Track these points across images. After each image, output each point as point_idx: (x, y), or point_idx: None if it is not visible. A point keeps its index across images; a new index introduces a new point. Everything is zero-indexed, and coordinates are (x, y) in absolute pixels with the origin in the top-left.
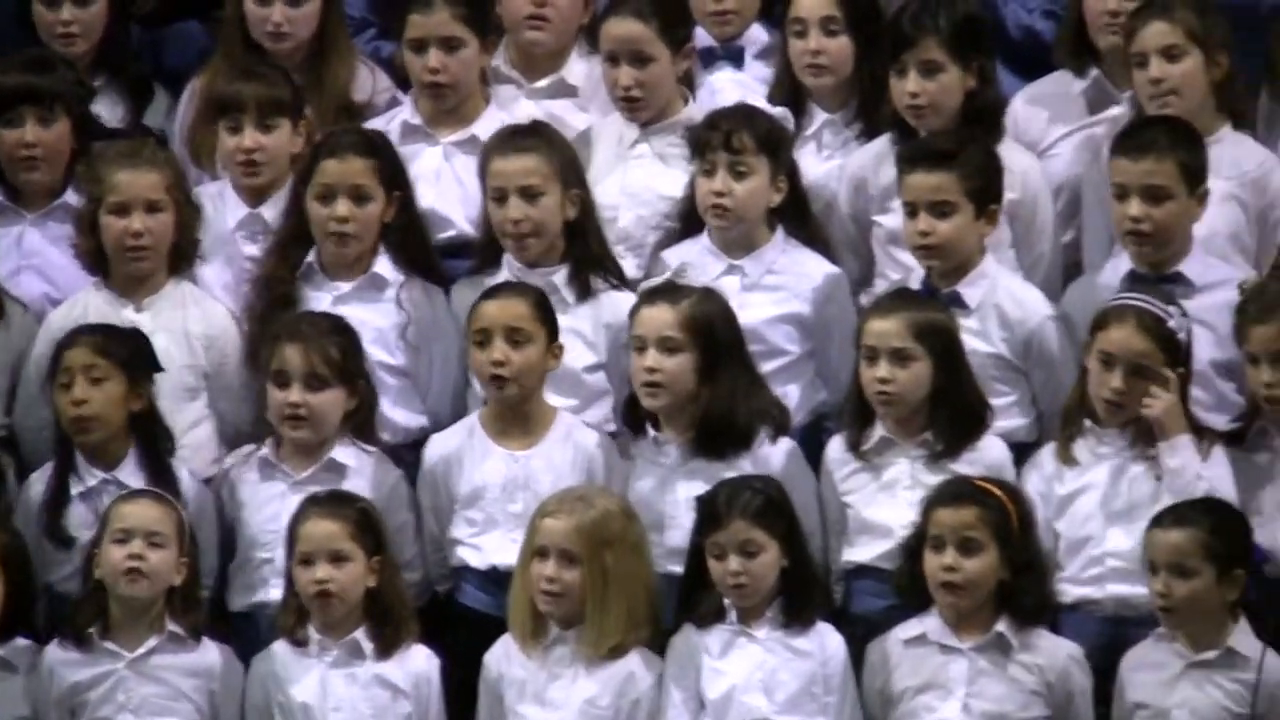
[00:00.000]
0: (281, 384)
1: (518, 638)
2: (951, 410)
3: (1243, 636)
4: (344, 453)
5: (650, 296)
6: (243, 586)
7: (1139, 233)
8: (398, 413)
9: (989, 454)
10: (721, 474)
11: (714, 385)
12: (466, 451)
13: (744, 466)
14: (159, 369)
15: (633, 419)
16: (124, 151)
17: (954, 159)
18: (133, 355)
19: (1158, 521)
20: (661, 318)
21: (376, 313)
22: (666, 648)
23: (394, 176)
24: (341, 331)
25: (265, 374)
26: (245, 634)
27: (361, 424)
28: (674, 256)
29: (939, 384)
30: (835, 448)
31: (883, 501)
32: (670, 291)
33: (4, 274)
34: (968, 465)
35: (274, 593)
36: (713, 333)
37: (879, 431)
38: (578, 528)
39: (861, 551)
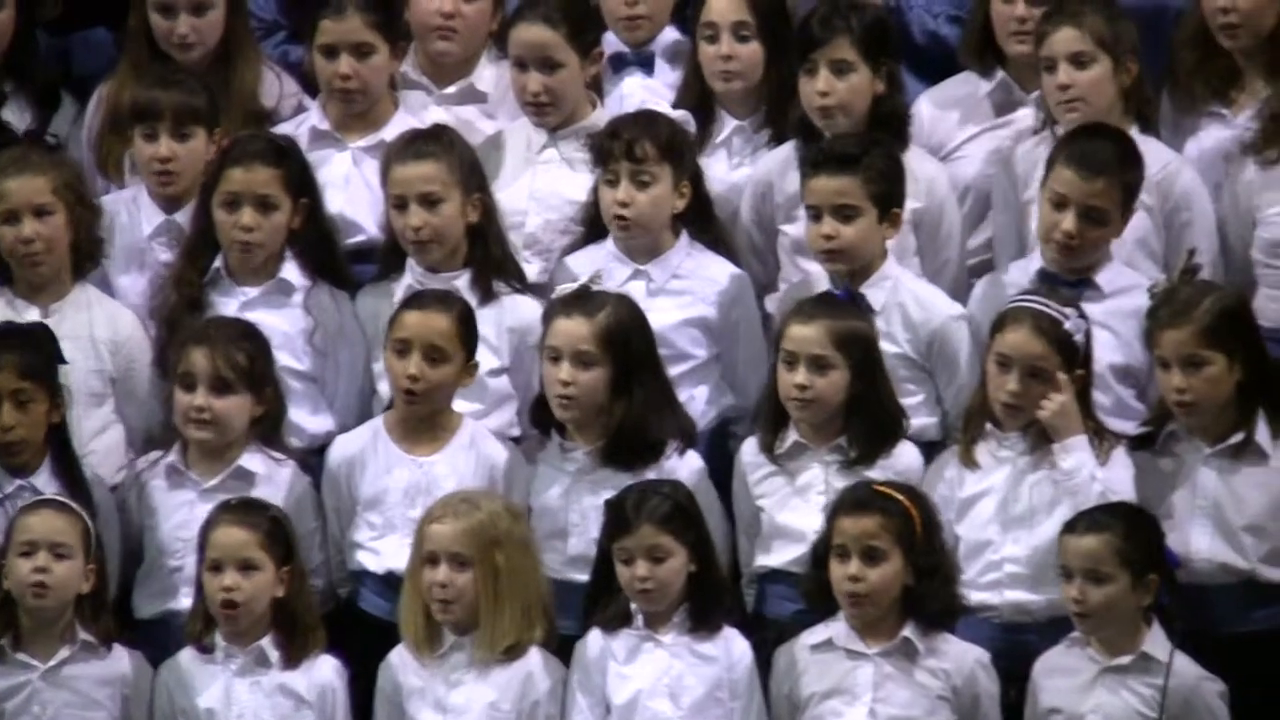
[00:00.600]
0: (187, 387)
1: (411, 645)
2: (867, 418)
3: (1156, 641)
4: (252, 460)
5: (566, 307)
6: (152, 594)
7: (1069, 247)
8: (305, 418)
9: (901, 459)
10: (626, 483)
11: (628, 398)
12: (370, 455)
13: (650, 478)
14: (64, 361)
15: (540, 422)
16: (10, 159)
17: (858, 163)
18: (50, 362)
19: (1071, 527)
20: (577, 331)
21: (283, 318)
22: (572, 653)
23: (301, 183)
24: (250, 337)
25: (172, 377)
26: (156, 641)
27: (269, 431)
28: (577, 263)
29: (855, 392)
30: (749, 451)
31: (796, 506)
32: (586, 303)
33: None
34: (880, 471)
35: (185, 601)
36: (628, 345)
37: (792, 436)
38: (467, 530)
39: (774, 556)
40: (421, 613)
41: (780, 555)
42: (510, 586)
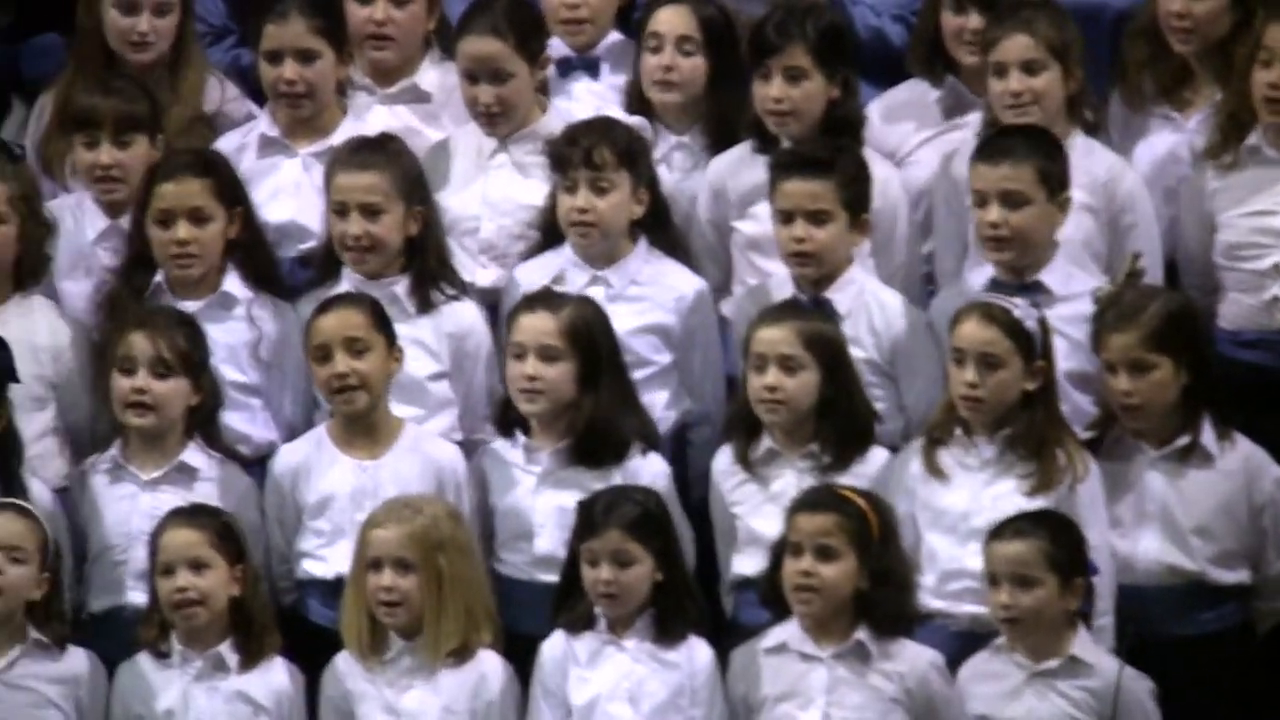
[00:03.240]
0: (127, 371)
1: (356, 652)
2: (838, 422)
3: (1084, 644)
4: (194, 456)
5: (530, 304)
6: (98, 589)
7: (998, 238)
8: (252, 429)
9: (872, 465)
10: (591, 484)
11: (595, 394)
12: (314, 462)
13: (614, 478)
14: (16, 380)
15: (505, 423)
16: None
17: (831, 167)
18: (2, 374)
19: (997, 534)
20: (542, 325)
21: (226, 331)
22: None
23: (232, 193)
24: (187, 324)
25: (111, 363)
26: (104, 636)
27: (205, 423)
28: (529, 273)
29: (826, 394)
30: (723, 459)
31: (770, 513)
32: (550, 299)
33: None
34: (853, 478)
35: (130, 595)
36: (593, 342)
37: (765, 443)
38: (410, 534)
39: (749, 563)
40: (365, 617)
41: (755, 562)
42: (453, 589)
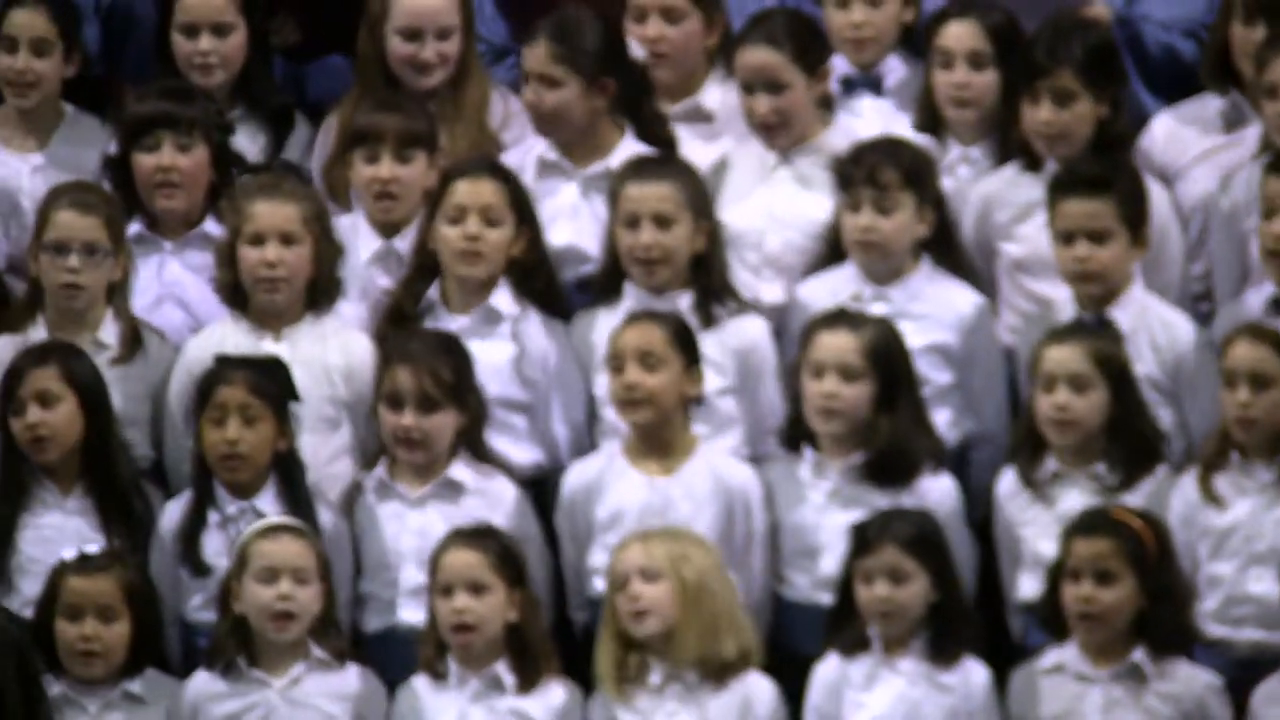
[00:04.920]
0: (394, 406)
1: (611, 689)
2: (1126, 442)
3: None
4: (460, 471)
5: (830, 322)
6: (372, 609)
7: None
8: (513, 449)
9: (1152, 482)
10: (879, 503)
11: (892, 414)
12: (607, 477)
13: (902, 497)
14: (297, 399)
15: (794, 440)
16: (264, 184)
17: (1110, 185)
18: (282, 392)
19: None
20: (843, 344)
21: (492, 348)
22: (809, 676)
23: (522, 208)
24: (451, 350)
25: (378, 395)
26: (379, 656)
27: (475, 440)
28: (813, 292)
29: (1114, 414)
30: (1007, 482)
31: (1056, 534)
32: (850, 318)
33: (145, 304)
34: (1137, 496)
35: (402, 614)
36: (891, 362)
37: (1050, 464)
38: (659, 549)
39: (1035, 585)
40: (616, 636)
41: (1042, 584)
42: (709, 608)
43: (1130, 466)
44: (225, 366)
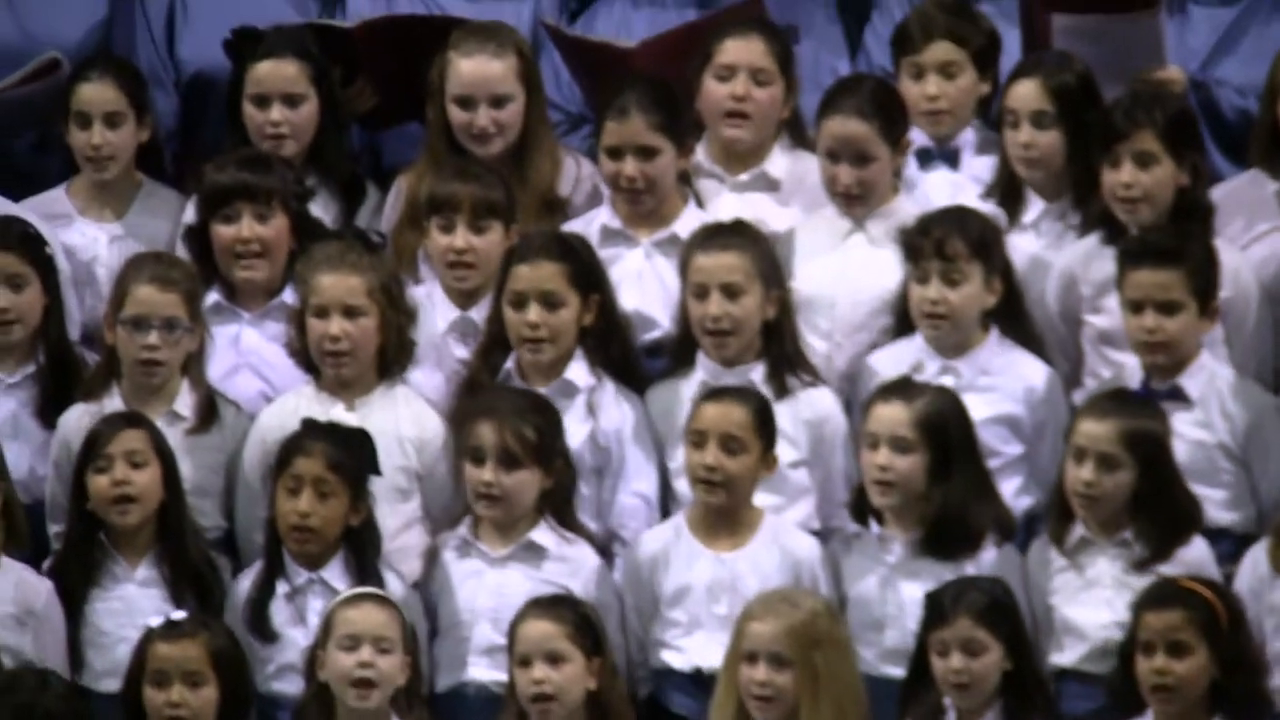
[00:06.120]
0: (476, 461)
1: None
2: (1154, 516)
3: None
4: (543, 535)
5: (885, 393)
6: (444, 666)
7: None
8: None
9: (1189, 553)
10: (944, 575)
11: (946, 485)
12: (673, 551)
13: (967, 569)
14: (378, 473)
15: (860, 511)
16: (329, 254)
17: (1180, 256)
18: (361, 465)
19: None
20: (895, 416)
21: (567, 421)
22: None
23: (589, 279)
24: (540, 410)
25: (462, 451)
26: (448, 713)
27: (560, 505)
28: (881, 362)
29: (1142, 490)
30: (1037, 549)
31: (1084, 601)
32: (905, 389)
33: (221, 373)
34: (1172, 565)
35: (473, 671)
36: (945, 432)
37: (1079, 530)
38: (788, 630)
39: (1067, 654)
40: (735, 711)
41: (1072, 653)
42: (829, 688)
43: (1160, 539)
44: (306, 436)
